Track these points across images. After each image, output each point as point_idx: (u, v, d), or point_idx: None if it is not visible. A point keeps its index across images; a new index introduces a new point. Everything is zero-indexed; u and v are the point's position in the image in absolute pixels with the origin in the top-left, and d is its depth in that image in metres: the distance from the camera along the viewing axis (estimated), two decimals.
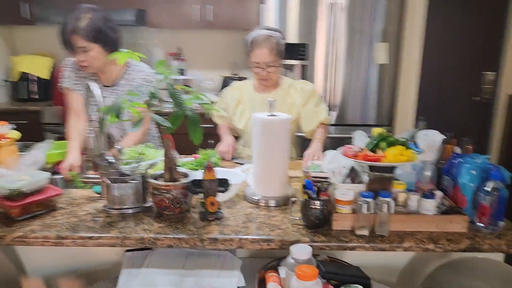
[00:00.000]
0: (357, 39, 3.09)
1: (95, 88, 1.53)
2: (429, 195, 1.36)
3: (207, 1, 3.60)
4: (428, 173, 1.49)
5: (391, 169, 1.41)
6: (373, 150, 1.43)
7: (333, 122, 3.20)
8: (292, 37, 3.11)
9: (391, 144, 1.43)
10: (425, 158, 1.52)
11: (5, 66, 3.98)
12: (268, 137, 1.53)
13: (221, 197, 1.55)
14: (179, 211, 1.44)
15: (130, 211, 1.45)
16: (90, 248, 1.29)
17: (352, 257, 1.51)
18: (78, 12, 1.87)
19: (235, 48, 3.99)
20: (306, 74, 3.18)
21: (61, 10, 3.61)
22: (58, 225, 1.35)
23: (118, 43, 2.00)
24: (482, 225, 1.37)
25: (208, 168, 1.39)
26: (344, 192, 1.36)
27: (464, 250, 1.28)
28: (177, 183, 1.40)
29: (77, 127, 2.01)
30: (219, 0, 3.60)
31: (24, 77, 3.81)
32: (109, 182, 1.43)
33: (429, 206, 1.36)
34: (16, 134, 1.85)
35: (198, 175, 1.44)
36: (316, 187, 1.37)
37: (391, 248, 1.28)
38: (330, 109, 3.17)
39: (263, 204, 1.54)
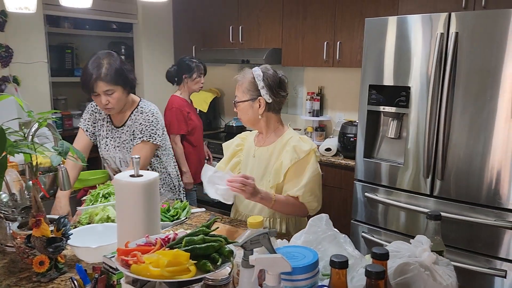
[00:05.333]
0: (480, 80, 2.13)
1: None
2: None
3: (337, 38, 3.26)
4: None
5: (173, 285, 0.94)
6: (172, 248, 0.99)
7: (439, 195, 2.29)
8: (391, 78, 2.43)
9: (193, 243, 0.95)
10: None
11: None
12: (124, 202, 1.29)
13: (91, 258, 1.40)
14: (30, 262, 1.38)
15: (9, 249, 1.50)
16: None
17: None
18: (97, 59, 2.00)
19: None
20: (406, 125, 2.41)
21: (220, 51, 4.01)
22: None
23: (135, 82, 2.11)
24: None
25: (35, 224, 1.28)
26: None
27: None
28: (20, 231, 1.36)
29: (75, 166, 2.08)
30: (349, 37, 3.20)
31: None
32: (1, 216, 1.52)
33: None
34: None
35: None
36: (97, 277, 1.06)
37: None
38: (437, 178, 2.28)
39: None
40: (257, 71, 1.74)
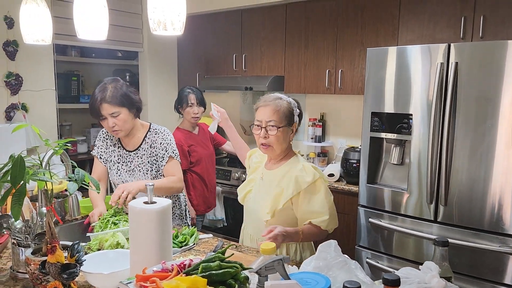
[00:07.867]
0: (480, 108, 2.19)
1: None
2: None
3: (339, 66, 3.35)
4: None
5: None
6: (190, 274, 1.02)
7: (443, 220, 2.32)
8: (392, 106, 2.50)
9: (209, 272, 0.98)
10: None
11: None
12: (138, 228, 1.32)
13: (103, 284, 1.42)
14: None
15: (21, 275, 1.51)
16: None
17: None
18: (103, 84, 2.10)
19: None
20: (409, 152, 2.46)
21: (224, 79, 4.09)
22: None
23: (141, 105, 2.19)
24: None
25: (50, 250, 1.31)
26: None
27: None
28: (34, 257, 1.38)
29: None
30: (350, 65, 3.29)
31: None
32: (14, 243, 1.54)
33: None
34: None
35: None
36: None
37: None
38: (441, 204, 2.32)
39: None
40: (288, 99, 1.82)
